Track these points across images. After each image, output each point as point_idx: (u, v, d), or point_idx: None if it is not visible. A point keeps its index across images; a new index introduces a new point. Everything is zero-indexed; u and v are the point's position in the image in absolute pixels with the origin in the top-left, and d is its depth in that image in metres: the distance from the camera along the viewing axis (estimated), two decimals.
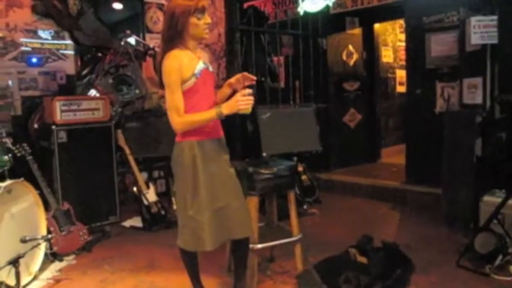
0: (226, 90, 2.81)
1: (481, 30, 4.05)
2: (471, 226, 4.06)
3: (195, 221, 2.58)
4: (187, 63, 2.50)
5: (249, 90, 2.50)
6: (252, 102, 2.48)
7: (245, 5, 6.24)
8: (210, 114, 2.50)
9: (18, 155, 3.66)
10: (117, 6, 6.27)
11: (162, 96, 5.74)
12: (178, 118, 2.50)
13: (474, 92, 4.34)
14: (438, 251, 3.79)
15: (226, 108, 2.48)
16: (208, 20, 2.54)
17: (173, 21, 2.50)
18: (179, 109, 2.49)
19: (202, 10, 2.50)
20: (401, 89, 8.03)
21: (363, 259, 3.34)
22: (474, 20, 4.05)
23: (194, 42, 2.60)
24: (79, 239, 3.89)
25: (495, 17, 4.00)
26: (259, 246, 3.11)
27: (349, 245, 3.53)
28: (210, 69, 2.70)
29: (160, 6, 6.41)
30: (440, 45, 5.21)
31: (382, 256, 3.34)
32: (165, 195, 5.37)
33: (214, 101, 2.70)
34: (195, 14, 2.48)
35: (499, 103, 4.25)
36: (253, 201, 3.06)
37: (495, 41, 4.06)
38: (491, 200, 3.78)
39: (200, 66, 2.56)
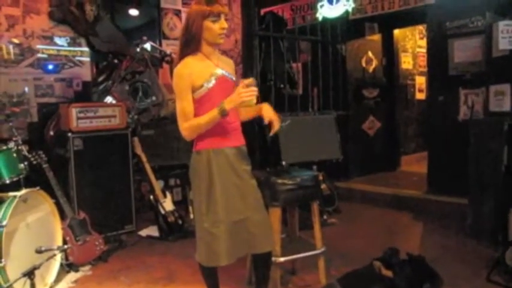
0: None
1: (510, 34, 3.92)
2: (499, 238, 3.91)
3: (210, 233, 2.47)
4: (200, 71, 2.43)
5: (251, 80, 2.36)
6: (255, 92, 2.34)
7: (262, 11, 6.18)
8: (212, 113, 2.37)
9: (34, 162, 3.61)
10: (134, 12, 6.26)
11: None
12: (185, 123, 2.43)
13: (501, 99, 4.19)
14: (466, 264, 3.63)
15: (229, 103, 2.35)
16: (224, 25, 2.44)
17: (189, 25, 2.45)
18: (187, 115, 2.42)
19: (218, 14, 2.42)
20: (420, 96, 7.91)
21: (388, 273, 3.19)
22: (502, 25, 3.92)
23: (210, 48, 2.51)
24: (95, 249, 3.81)
25: None
26: (282, 259, 3.00)
27: (372, 256, 3.38)
28: (232, 77, 2.59)
29: (177, 13, 6.37)
30: (463, 51, 5.07)
31: (409, 270, 3.20)
32: (181, 204, 5.28)
33: (235, 111, 2.56)
34: (209, 17, 2.40)
35: None
36: (276, 212, 2.94)
37: None
38: None
39: (217, 73, 2.47)
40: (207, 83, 2.43)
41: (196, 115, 2.44)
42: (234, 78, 2.61)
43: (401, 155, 7.48)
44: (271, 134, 2.61)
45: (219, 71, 2.49)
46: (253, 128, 4.75)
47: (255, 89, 2.35)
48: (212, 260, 2.52)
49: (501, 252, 3.38)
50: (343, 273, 3.29)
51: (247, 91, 2.32)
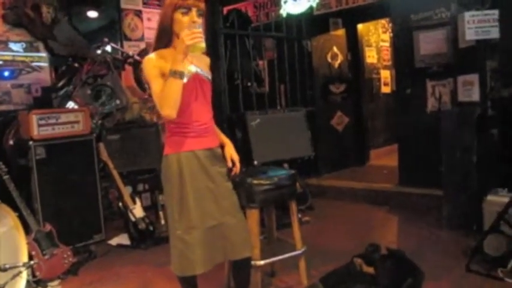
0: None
1: (476, 25, 3.94)
2: (474, 227, 3.94)
3: (183, 241, 2.35)
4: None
5: (189, 25, 2.19)
6: (200, 34, 2.15)
7: (225, 9, 6.07)
8: (169, 75, 2.18)
9: None
10: (93, 14, 6.05)
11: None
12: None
13: (470, 89, 4.22)
14: (444, 255, 3.64)
15: (177, 56, 2.18)
16: (194, 18, 2.28)
17: (161, 17, 2.37)
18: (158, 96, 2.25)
19: (188, 7, 2.28)
20: (386, 89, 7.98)
21: (369, 269, 3.15)
22: (468, 15, 3.94)
23: None
24: (63, 262, 3.61)
25: (494, 12, 3.87)
26: (262, 262, 2.90)
27: (349, 253, 3.34)
28: (208, 76, 2.46)
29: (137, 13, 6.18)
30: (429, 43, 5.10)
31: (390, 265, 3.16)
32: (151, 209, 5.12)
33: (208, 112, 2.46)
34: (179, 9, 2.28)
35: (491, 100, 4.16)
36: (254, 214, 2.84)
37: (489, 35, 3.95)
38: (494, 199, 3.65)
39: (190, 70, 2.34)
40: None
41: None
42: (209, 77, 2.48)
43: (370, 149, 7.51)
44: (232, 174, 2.55)
45: (193, 68, 2.37)
46: (223, 127, 4.65)
47: (200, 30, 2.16)
48: (186, 268, 2.39)
49: (479, 240, 3.38)
50: (323, 272, 3.24)
51: (189, 34, 2.14)
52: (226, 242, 2.44)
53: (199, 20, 2.31)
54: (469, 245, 3.61)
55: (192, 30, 2.14)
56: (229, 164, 2.55)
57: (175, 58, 2.19)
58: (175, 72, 2.17)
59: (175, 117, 2.24)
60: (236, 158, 2.59)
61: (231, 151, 2.61)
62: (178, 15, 2.29)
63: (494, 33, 3.93)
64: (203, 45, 2.18)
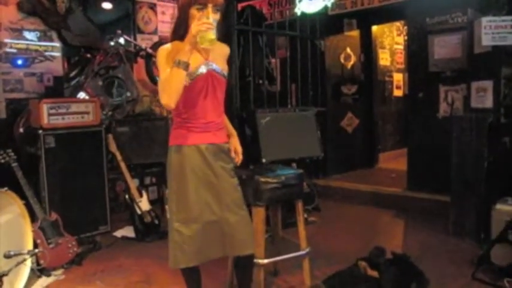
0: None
1: (493, 31, 3.88)
2: (482, 236, 3.90)
3: (179, 233, 2.34)
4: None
5: (200, 17, 2.17)
6: (208, 25, 2.12)
7: (240, 6, 6.04)
8: (174, 65, 2.17)
9: (2, 161, 3.44)
10: (107, 5, 6.07)
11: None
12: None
13: (483, 95, 4.16)
14: (450, 262, 3.59)
15: (184, 46, 2.18)
16: (209, 14, 2.21)
17: (178, 12, 2.39)
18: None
19: (204, 3, 2.24)
20: (398, 92, 7.92)
21: (373, 273, 3.13)
22: (485, 21, 3.87)
23: None
24: (68, 252, 3.63)
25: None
26: (266, 261, 2.88)
27: (354, 255, 3.34)
28: (224, 73, 2.44)
29: (152, 6, 6.19)
30: (443, 47, 5.05)
31: (394, 270, 3.14)
32: (156, 203, 5.13)
33: (217, 110, 2.44)
34: (195, 5, 2.25)
35: (504, 107, 4.11)
36: (260, 212, 2.82)
37: (506, 42, 3.89)
38: (503, 208, 3.63)
39: (208, 64, 2.33)
40: (193, 73, 2.27)
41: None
42: (225, 73, 2.46)
43: (379, 152, 7.47)
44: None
45: (210, 66, 2.35)
46: (233, 124, 4.63)
47: (210, 21, 2.13)
48: (179, 260, 2.37)
49: (486, 250, 3.35)
50: (327, 273, 3.24)
51: (199, 24, 2.12)
52: (226, 238, 2.42)
53: (216, 16, 2.26)
54: (475, 253, 3.58)
55: (201, 20, 2.13)
56: (233, 155, 2.57)
57: (183, 48, 2.19)
58: (180, 62, 2.16)
59: (173, 107, 2.23)
60: (239, 150, 2.64)
61: (235, 143, 2.64)
62: (193, 11, 2.27)
63: (511, 40, 3.87)
64: (212, 36, 2.13)
